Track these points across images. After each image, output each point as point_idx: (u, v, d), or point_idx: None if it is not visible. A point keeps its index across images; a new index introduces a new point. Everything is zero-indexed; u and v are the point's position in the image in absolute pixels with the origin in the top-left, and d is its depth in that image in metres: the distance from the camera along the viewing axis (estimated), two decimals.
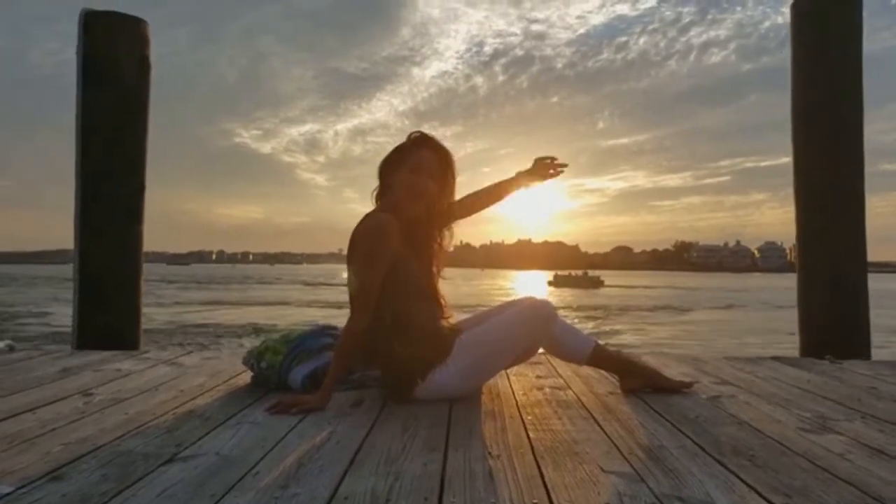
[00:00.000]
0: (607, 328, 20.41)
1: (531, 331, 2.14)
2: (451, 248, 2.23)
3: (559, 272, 68.53)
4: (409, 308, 2.04)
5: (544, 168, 2.32)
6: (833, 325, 3.37)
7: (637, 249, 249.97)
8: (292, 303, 30.08)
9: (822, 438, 1.66)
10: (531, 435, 1.68)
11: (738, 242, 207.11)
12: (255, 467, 1.38)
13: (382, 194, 2.15)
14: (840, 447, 1.58)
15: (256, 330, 16.98)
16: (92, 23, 3.64)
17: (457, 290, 47.14)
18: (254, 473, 1.34)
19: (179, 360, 2.87)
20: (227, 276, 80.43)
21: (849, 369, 2.76)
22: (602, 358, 2.24)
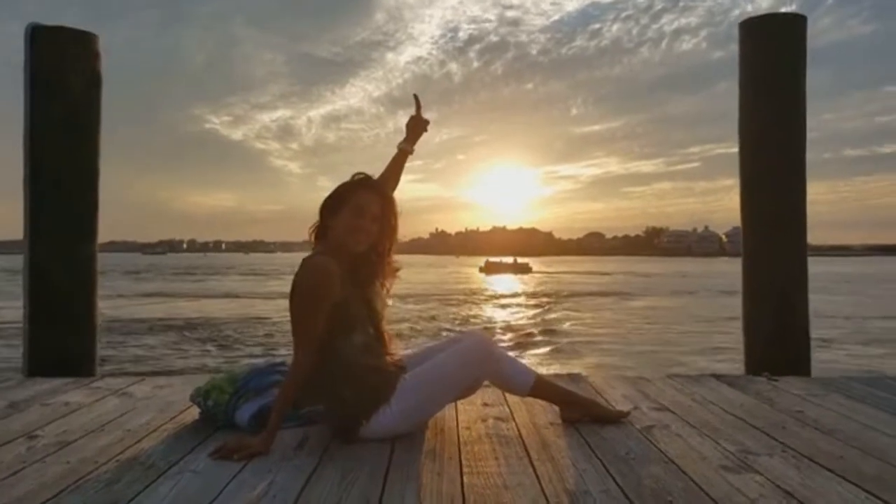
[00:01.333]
0: (551, 316, 20.70)
1: (474, 368, 2.20)
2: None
3: (490, 259, 70.64)
4: (352, 350, 2.08)
5: (412, 122, 2.47)
6: (774, 341, 3.49)
7: (609, 235, 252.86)
8: (241, 295, 29.62)
9: (739, 479, 1.75)
10: (465, 481, 1.74)
11: (706, 228, 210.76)
12: None
13: (322, 235, 2.17)
14: (755, 490, 1.67)
15: (189, 325, 16.76)
16: (39, 38, 3.58)
17: (420, 276, 47.47)
18: None
19: (130, 389, 2.88)
20: (191, 265, 79.43)
21: (783, 389, 2.88)
22: (543, 390, 2.31)
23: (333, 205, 2.15)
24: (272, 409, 2.04)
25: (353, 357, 2.09)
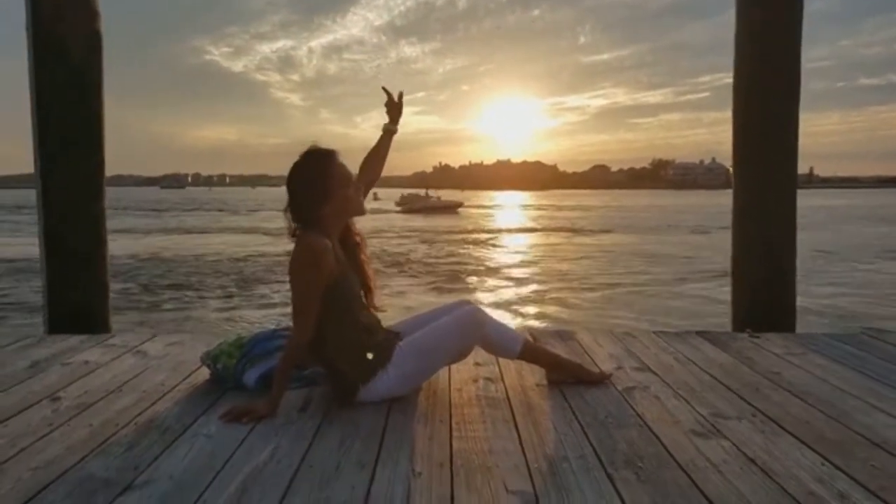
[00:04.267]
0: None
1: (465, 336, 2.34)
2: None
3: (405, 192, 60.17)
4: (350, 325, 2.21)
5: (389, 105, 2.54)
6: (761, 295, 3.62)
7: (615, 168, 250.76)
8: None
9: (707, 444, 1.91)
10: (454, 445, 1.90)
11: (713, 160, 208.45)
12: (202, 495, 1.59)
13: (313, 224, 2.19)
14: (719, 455, 1.82)
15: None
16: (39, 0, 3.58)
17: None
18: (202, 502, 1.55)
19: (144, 347, 3.04)
20: (188, 199, 78.83)
21: (763, 348, 3.02)
22: (530, 354, 2.45)
23: (320, 194, 2.17)
24: (274, 376, 2.19)
25: (349, 333, 2.21)
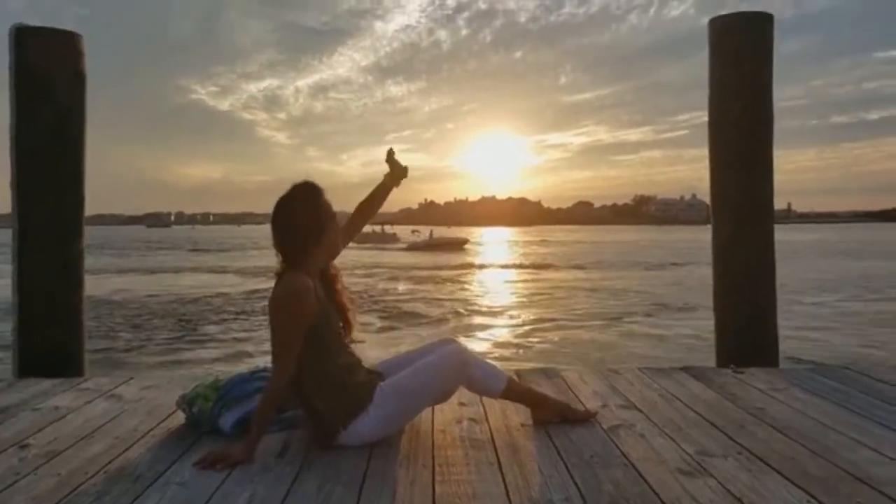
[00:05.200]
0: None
1: (449, 376, 2.30)
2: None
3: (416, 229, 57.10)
4: (330, 365, 2.17)
5: (394, 168, 2.52)
6: (743, 332, 3.62)
7: (598, 204, 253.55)
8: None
9: (693, 483, 1.87)
10: (437, 490, 1.85)
11: (693, 196, 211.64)
12: None
13: (298, 261, 2.17)
14: (706, 495, 1.79)
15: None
16: (24, 39, 3.58)
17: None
18: None
19: (118, 391, 2.96)
20: (215, 238, 78.25)
21: (747, 383, 3.00)
22: (514, 393, 2.42)
23: (316, 231, 2.16)
24: (253, 419, 2.13)
25: (330, 375, 2.17)
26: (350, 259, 32.02)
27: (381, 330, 12.68)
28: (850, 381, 3.01)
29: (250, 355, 9.55)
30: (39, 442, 2.29)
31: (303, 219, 2.15)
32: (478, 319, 14.37)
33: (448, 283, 22.88)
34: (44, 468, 2.04)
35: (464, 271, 28.84)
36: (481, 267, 31.86)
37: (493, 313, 15.36)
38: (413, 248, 46.55)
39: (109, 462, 2.09)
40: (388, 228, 54.15)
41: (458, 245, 48.51)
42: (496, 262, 35.34)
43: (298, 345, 2.09)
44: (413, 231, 53.68)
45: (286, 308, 2.09)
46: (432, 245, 47.16)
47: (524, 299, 18.42)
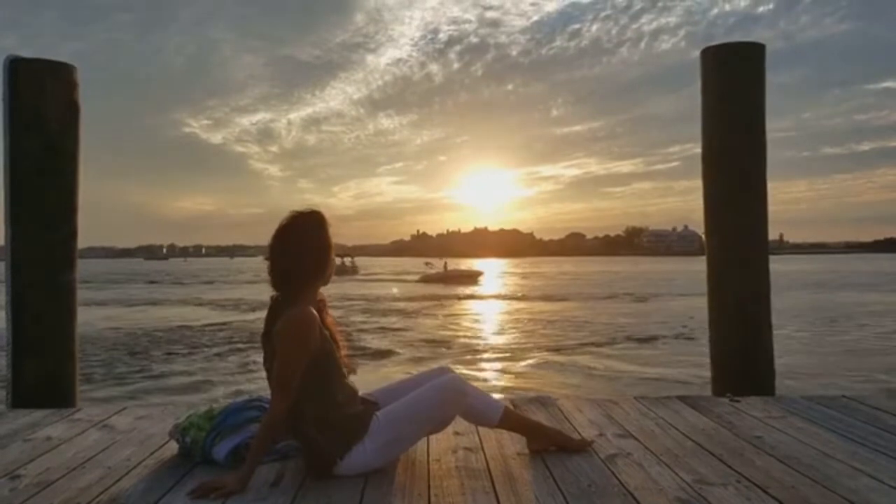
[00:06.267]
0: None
1: (446, 406, 2.28)
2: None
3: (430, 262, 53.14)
4: (331, 396, 2.16)
5: None
6: (739, 360, 3.62)
7: (590, 236, 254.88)
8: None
9: None
10: None
11: (685, 227, 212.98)
12: None
13: (298, 291, 2.17)
14: None
15: None
16: (17, 71, 3.62)
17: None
18: None
19: (111, 421, 2.93)
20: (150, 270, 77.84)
21: (744, 411, 3.00)
22: (510, 422, 2.40)
23: (323, 261, 2.18)
24: (249, 449, 2.11)
25: (327, 406, 2.16)
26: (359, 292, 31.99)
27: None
28: (847, 410, 3.01)
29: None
30: (31, 472, 2.25)
31: (312, 248, 2.16)
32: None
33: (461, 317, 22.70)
34: (35, 499, 2.01)
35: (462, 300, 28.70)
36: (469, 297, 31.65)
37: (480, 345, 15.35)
38: (427, 280, 45.84)
39: (102, 492, 2.06)
40: (347, 262, 53.64)
41: (473, 278, 47.10)
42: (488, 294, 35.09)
43: (299, 373, 2.08)
44: (426, 263, 51.77)
45: (295, 338, 2.08)
46: (446, 277, 46.03)
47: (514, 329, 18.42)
